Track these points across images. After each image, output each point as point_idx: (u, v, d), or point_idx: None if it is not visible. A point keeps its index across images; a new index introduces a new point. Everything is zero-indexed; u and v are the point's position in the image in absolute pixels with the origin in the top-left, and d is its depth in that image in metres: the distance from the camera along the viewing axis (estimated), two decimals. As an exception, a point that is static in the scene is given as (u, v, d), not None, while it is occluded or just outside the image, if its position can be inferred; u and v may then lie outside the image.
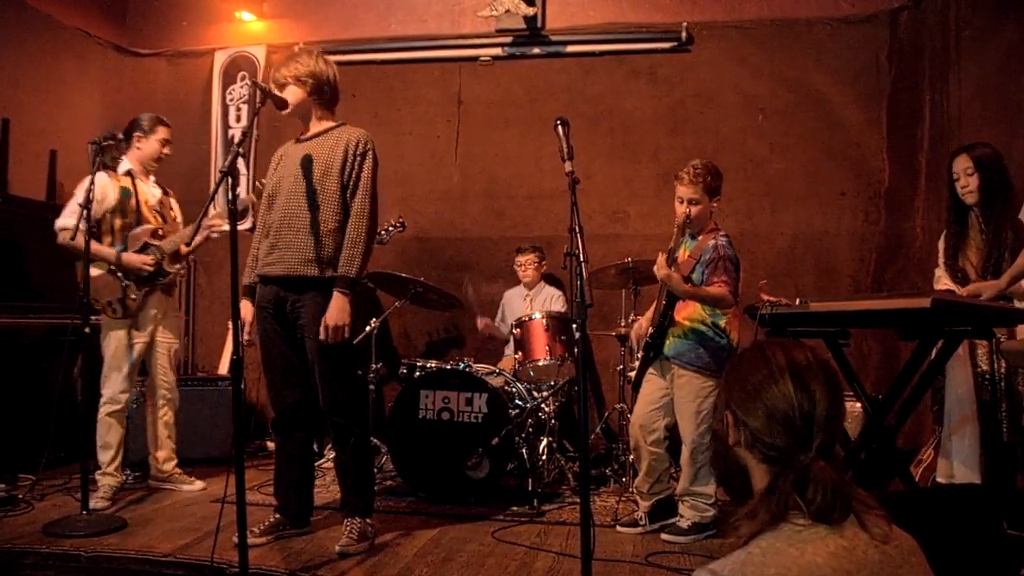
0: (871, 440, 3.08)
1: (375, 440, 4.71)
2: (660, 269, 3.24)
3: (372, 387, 4.79)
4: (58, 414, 3.96)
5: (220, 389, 4.99)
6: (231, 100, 6.03)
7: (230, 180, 2.72)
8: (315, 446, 4.73)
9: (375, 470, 4.53)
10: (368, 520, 3.29)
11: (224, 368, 5.41)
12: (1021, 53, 4.10)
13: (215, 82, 6.05)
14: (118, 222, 3.94)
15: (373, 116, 5.78)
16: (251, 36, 6.07)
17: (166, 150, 4.09)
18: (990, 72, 4.27)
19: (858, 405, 3.82)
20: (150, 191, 4.10)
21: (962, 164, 3.40)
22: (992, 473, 3.28)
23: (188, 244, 3.83)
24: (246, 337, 3.36)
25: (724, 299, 3.31)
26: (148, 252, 3.95)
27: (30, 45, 5.35)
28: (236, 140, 5.67)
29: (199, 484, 4.21)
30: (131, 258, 3.89)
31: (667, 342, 3.47)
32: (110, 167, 3.99)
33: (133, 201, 3.98)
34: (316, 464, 4.60)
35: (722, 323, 3.43)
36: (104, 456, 3.93)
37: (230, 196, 2.72)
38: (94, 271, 3.78)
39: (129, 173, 4.02)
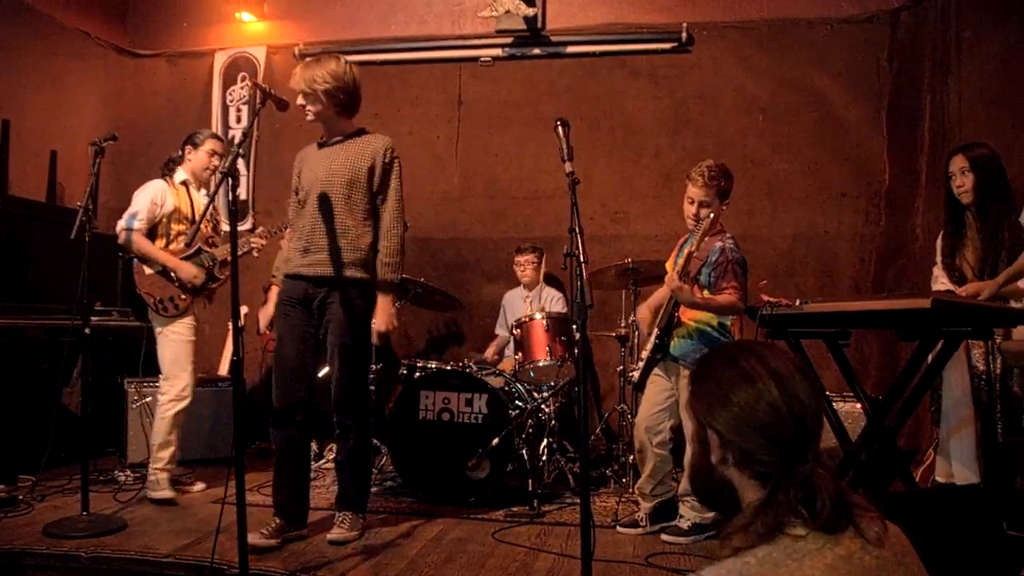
0: (872, 440, 3.08)
1: (376, 441, 4.71)
2: (671, 282, 3.19)
3: (372, 388, 4.78)
4: (58, 415, 3.96)
5: (220, 390, 4.99)
6: (231, 101, 6.03)
7: (230, 181, 2.75)
8: (315, 445, 4.77)
9: (375, 470, 4.54)
10: (361, 515, 3.40)
11: (224, 369, 5.41)
12: (1022, 53, 4.10)
13: (215, 83, 6.05)
14: (174, 227, 4.08)
15: (374, 116, 5.77)
16: (251, 37, 6.08)
17: (215, 161, 4.18)
18: (991, 72, 4.27)
19: (858, 405, 3.83)
20: (201, 201, 4.21)
21: (958, 164, 3.41)
22: (991, 473, 3.29)
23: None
24: (265, 330, 3.47)
25: (734, 307, 3.28)
26: (201, 257, 4.08)
27: (31, 46, 5.35)
28: (236, 141, 5.67)
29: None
30: (185, 269, 4.01)
31: (672, 342, 3.45)
32: (167, 176, 4.16)
33: (189, 209, 4.13)
34: (316, 465, 4.62)
35: (728, 323, 3.45)
36: (166, 453, 3.99)
37: (230, 196, 2.76)
38: (147, 270, 4.00)
39: (184, 183, 4.17)
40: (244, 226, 5.65)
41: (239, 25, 6.07)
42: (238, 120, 6.02)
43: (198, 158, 4.18)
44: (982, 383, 3.28)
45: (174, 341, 4.01)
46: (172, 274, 4.02)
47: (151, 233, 4.03)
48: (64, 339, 3.87)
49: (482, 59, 5.68)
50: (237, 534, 2.62)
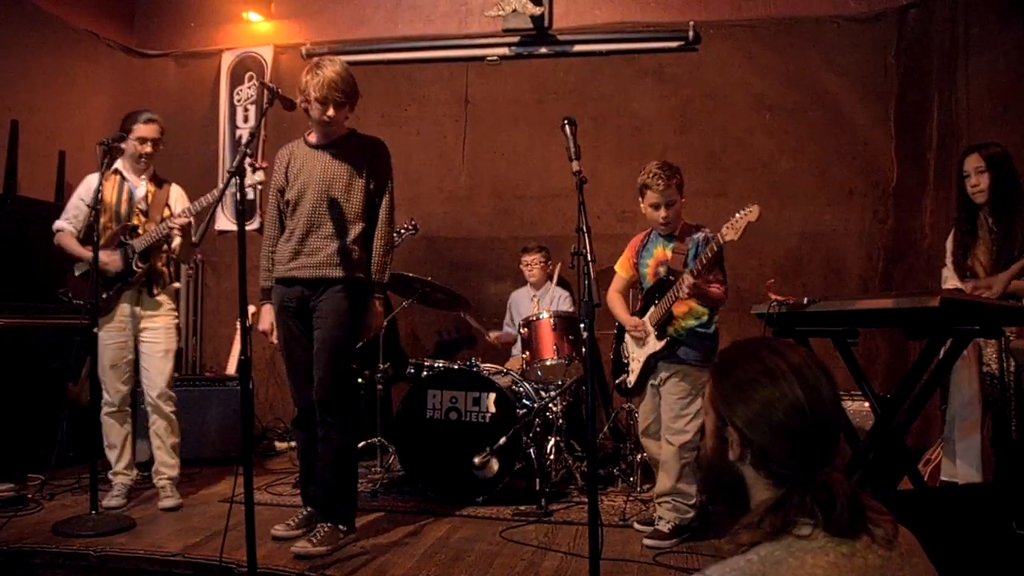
0: (880, 439, 3.06)
1: (383, 440, 4.73)
2: (688, 286, 3.18)
3: (380, 387, 4.80)
4: (67, 414, 3.97)
5: (228, 389, 5.01)
6: (239, 101, 6.05)
7: (238, 180, 2.75)
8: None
9: (382, 469, 4.55)
10: (341, 527, 3.27)
11: (232, 368, 5.43)
12: (1030, 51, 4.08)
13: (223, 83, 6.07)
14: (101, 220, 3.78)
15: (381, 116, 5.79)
16: (258, 37, 6.10)
17: (146, 148, 3.86)
18: (999, 70, 4.25)
19: (866, 404, 3.81)
20: (136, 189, 3.94)
21: (973, 163, 3.39)
22: (1001, 473, 3.27)
23: (167, 242, 3.88)
24: (274, 341, 3.47)
25: (721, 301, 3.39)
26: (121, 250, 3.81)
27: (39, 47, 5.38)
28: (244, 140, 5.68)
29: (171, 502, 3.86)
30: (102, 257, 3.69)
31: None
32: (109, 166, 3.91)
33: (111, 199, 3.87)
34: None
35: (714, 317, 3.50)
36: (111, 456, 3.93)
37: (238, 196, 2.76)
38: (77, 271, 3.88)
39: (117, 171, 3.93)
40: (252, 226, 5.66)
41: (246, 25, 6.09)
42: (245, 120, 6.04)
43: (129, 145, 3.87)
44: (995, 382, 3.27)
45: (98, 346, 3.78)
46: (83, 270, 3.83)
47: (92, 229, 3.72)
48: (73, 338, 3.86)
49: (489, 58, 5.67)
50: (246, 533, 2.63)
